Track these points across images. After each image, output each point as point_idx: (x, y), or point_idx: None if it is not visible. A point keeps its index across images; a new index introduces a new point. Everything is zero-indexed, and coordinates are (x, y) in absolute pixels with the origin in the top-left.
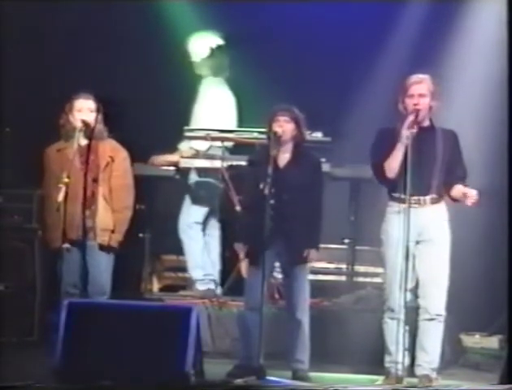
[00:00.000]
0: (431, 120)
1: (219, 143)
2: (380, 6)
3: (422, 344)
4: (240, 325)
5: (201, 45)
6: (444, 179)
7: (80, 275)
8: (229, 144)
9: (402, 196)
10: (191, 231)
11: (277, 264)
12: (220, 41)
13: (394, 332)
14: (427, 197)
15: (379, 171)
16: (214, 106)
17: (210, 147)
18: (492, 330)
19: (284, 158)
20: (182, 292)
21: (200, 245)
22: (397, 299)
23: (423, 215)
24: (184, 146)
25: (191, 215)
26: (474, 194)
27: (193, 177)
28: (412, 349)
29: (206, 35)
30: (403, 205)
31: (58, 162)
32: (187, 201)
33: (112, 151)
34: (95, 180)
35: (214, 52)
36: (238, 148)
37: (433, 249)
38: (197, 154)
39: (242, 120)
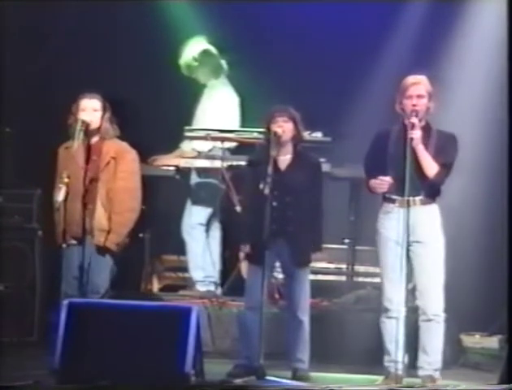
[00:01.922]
0: (427, 121)
1: (219, 143)
2: (380, 6)
3: (422, 345)
4: (240, 325)
5: (187, 56)
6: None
7: (78, 273)
8: (230, 144)
9: (393, 196)
10: (194, 232)
11: (277, 264)
12: (204, 46)
13: (390, 331)
14: (417, 198)
15: (366, 181)
16: (219, 107)
17: (213, 148)
18: (492, 330)
19: (285, 159)
20: (182, 292)
21: (202, 246)
22: (391, 299)
23: (412, 216)
24: (186, 147)
25: (194, 216)
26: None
27: (194, 178)
28: (414, 350)
29: (190, 45)
30: (392, 206)
31: (64, 159)
32: (189, 201)
33: (117, 152)
34: (95, 180)
35: (202, 59)
36: (238, 148)
37: (425, 251)
38: (198, 155)
39: (243, 121)
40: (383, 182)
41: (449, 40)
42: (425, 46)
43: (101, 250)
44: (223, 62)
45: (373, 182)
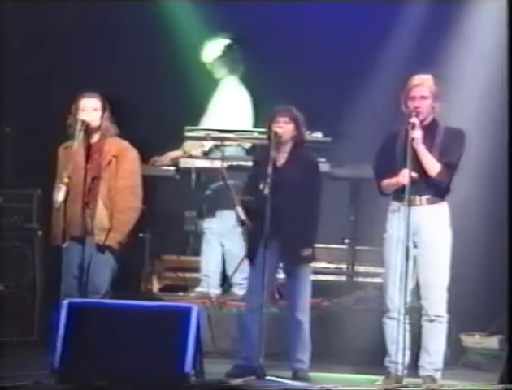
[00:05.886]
0: (434, 119)
1: (219, 143)
2: (382, 6)
3: (424, 345)
4: (240, 325)
5: (212, 47)
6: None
7: (78, 273)
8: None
9: (401, 195)
10: (206, 235)
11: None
12: (228, 42)
13: (391, 332)
14: (424, 197)
15: (377, 183)
16: (233, 105)
17: (215, 147)
18: (492, 330)
19: (282, 158)
20: (182, 293)
21: (209, 249)
22: (394, 299)
23: (418, 215)
24: (193, 145)
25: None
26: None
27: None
28: (416, 350)
29: (215, 39)
30: (399, 204)
31: (64, 159)
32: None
33: (118, 150)
34: (96, 178)
35: (226, 51)
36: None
37: (430, 250)
38: (198, 155)
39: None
40: (404, 173)
41: (449, 40)
42: (425, 46)
43: (103, 249)
44: (241, 61)
45: (400, 174)
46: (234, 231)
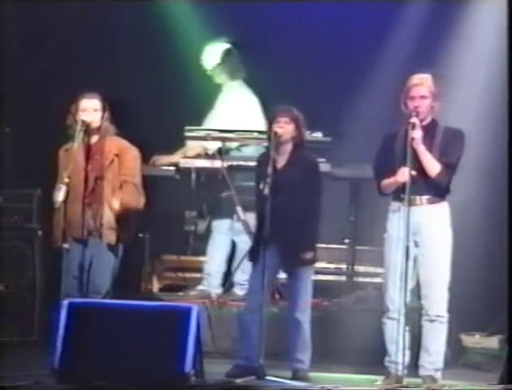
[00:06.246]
0: (433, 119)
1: (219, 143)
2: (382, 6)
3: (424, 344)
4: (240, 325)
5: (211, 53)
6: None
7: (78, 273)
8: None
9: (401, 195)
10: (213, 234)
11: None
12: (228, 46)
13: (391, 332)
14: (424, 197)
15: (377, 182)
16: (241, 108)
17: (224, 146)
18: (492, 330)
19: (283, 159)
20: (182, 293)
21: (215, 248)
22: (394, 299)
23: (418, 215)
24: (194, 145)
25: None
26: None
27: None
28: (416, 350)
29: (214, 43)
30: (399, 204)
31: (65, 161)
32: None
33: (119, 149)
34: (99, 179)
35: (224, 57)
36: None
37: (431, 250)
38: (198, 155)
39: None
40: (403, 172)
41: (449, 40)
42: (425, 46)
43: (115, 248)
44: (241, 66)
45: (399, 173)
46: None
